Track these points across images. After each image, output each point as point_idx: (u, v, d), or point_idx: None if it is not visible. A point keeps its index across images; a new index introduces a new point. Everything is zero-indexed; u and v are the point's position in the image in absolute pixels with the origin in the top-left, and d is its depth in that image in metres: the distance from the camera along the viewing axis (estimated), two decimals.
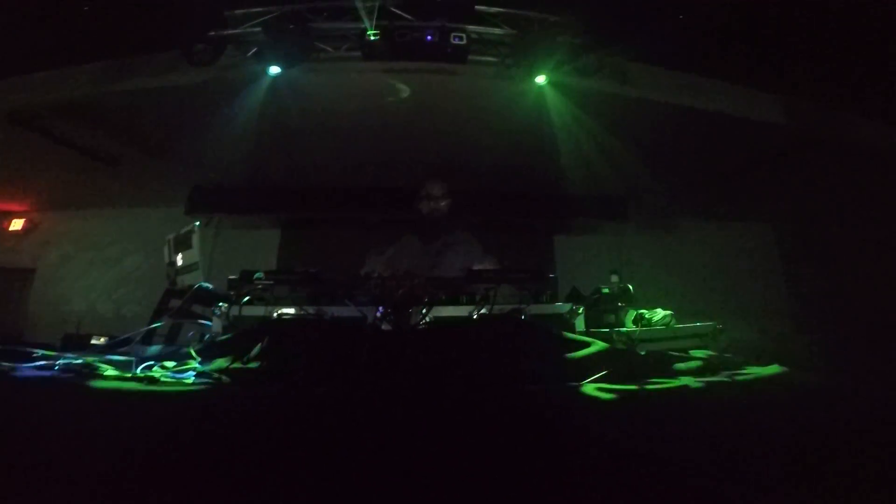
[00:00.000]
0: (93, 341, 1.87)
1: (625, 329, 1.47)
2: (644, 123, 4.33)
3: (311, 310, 1.41)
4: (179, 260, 1.89)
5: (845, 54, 3.81)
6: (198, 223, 1.88)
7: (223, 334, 1.48)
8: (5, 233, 6.27)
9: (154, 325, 1.77)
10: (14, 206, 6.28)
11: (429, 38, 3.40)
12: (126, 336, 1.66)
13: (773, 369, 1.39)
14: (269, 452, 0.77)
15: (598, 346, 1.29)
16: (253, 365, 1.25)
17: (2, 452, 0.75)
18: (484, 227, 6.00)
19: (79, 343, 1.86)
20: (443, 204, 2.42)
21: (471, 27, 3.50)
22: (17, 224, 6.30)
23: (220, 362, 1.30)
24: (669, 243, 6.40)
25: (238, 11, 3.54)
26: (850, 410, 1.06)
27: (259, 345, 1.31)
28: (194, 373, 1.30)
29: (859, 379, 1.39)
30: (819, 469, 0.73)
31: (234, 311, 1.46)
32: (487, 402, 1.05)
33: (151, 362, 1.40)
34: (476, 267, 2.25)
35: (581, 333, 1.42)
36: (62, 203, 6.17)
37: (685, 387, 1.18)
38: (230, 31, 3.55)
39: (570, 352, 1.25)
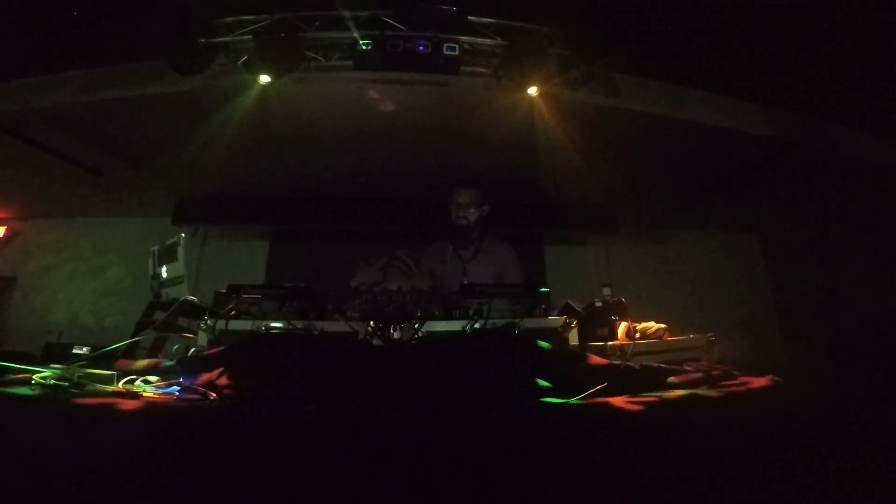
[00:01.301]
0: (75, 350, 1.81)
1: (618, 343, 1.46)
2: (632, 134, 4.38)
3: (299, 324, 1.38)
4: (164, 272, 1.85)
5: (828, 64, 3.90)
6: (183, 235, 1.84)
7: (209, 349, 1.44)
8: None
9: (137, 338, 1.72)
10: None
11: (421, 48, 3.41)
12: (109, 348, 1.61)
13: (766, 380, 1.38)
14: (256, 470, 0.74)
15: (592, 359, 1.28)
16: (239, 381, 1.21)
17: None
18: None
19: (60, 353, 1.81)
20: (471, 211, 2.39)
21: (463, 38, 3.52)
22: None
23: (206, 377, 1.26)
24: (657, 254, 6.47)
25: (228, 19, 3.53)
26: (839, 419, 1.06)
27: (246, 360, 1.27)
28: (178, 388, 1.25)
29: (846, 387, 1.40)
30: (814, 480, 0.73)
31: (221, 325, 1.42)
32: (481, 419, 1.03)
33: (133, 376, 1.35)
34: (507, 273, 2.27)
35: (575, 347, 1.41)
36: (44, 211, 6.06)
37: (679, 399, 1.17)
38: (219, 40, 3.52)
39: (565, 366, 1.24)
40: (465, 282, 2.14)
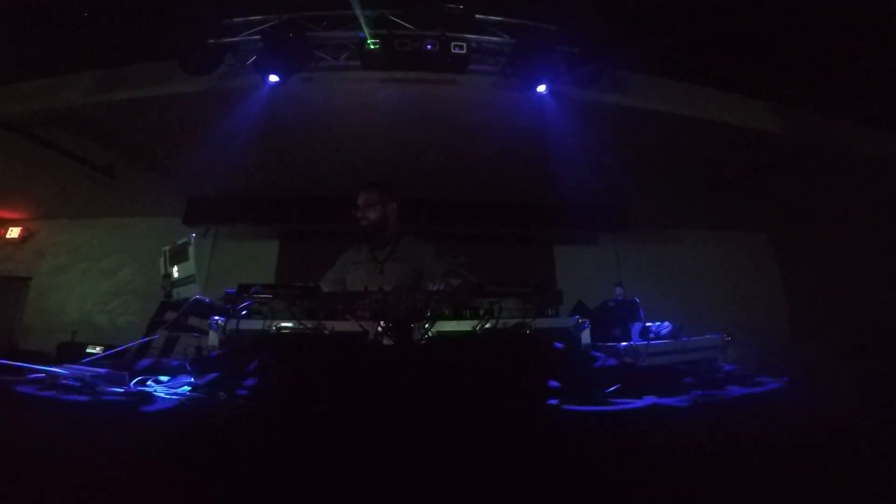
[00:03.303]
0: (88, 350, 1.83)
1: (631, 342, 1.44)
2: (642, 133, 4.34)
3: (309, 324, 1.38)
4: (175, 272, 1.86)
5: (840, 62, 3.84)
6: (193, 234, 1.85)
7: (220, 348, 1.44)
8: (2, 240, 6.25)
9: (149, 338, 1.72)
10: (11, 215, 6.26)
11: (429, 47, 3.40)
12: (122, 348, 1.62)
13: (780, 381, 1.36)
14: (266, 469, 0.74)
15: (604, 360, 1.27)
16: (250, 380, 1.21)
17: None
18: (484, 237, 6.02)
19: (74, 352, 1.82)
20: (370, 213, 2.39)
21: (470, 36, 3.50)
22: (13, 232, 6.28)
23: (217, 378, 1.25)
24: (668, 253, 6.41)
25: (237, 20, 3.55)
26: (853, 419, 1.03)
27: (257, 359, 1.26)
28: (189, 388, 1.26)
29: (859, 386, 1.38)
30: (828, 480, 0.71)
31: (232, 324, 1.42)
32: (493, 420, 1.02)
33: (145, 376, 1.36)
34: (427, 271, 2.26)
35: (587, 347, 1.39)
36: (58, 212, 6.15)
37: (693, 400, 1.14)
38: (228, 40, 3.54)
39: (577, 367, 1.22)
40: (380, 284, 2.14)
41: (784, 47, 3.86)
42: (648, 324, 1.55)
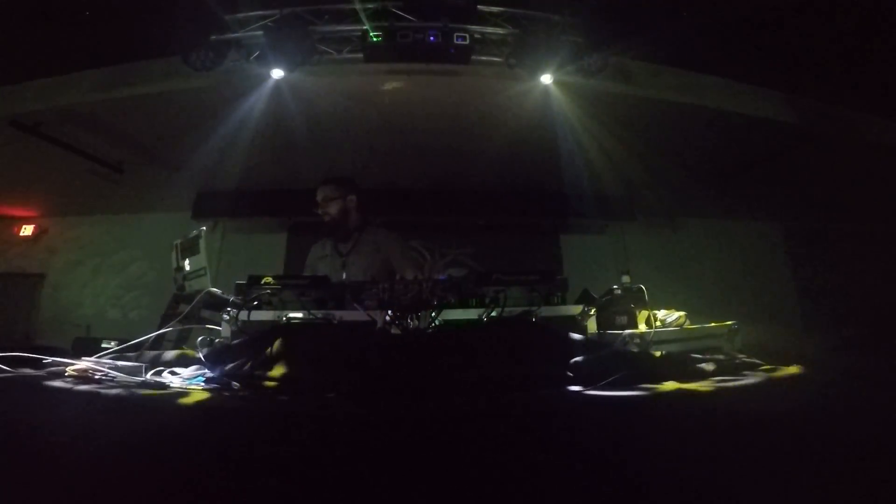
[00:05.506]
0: (103, 345, 1.86)
1: (637, 331, 1.45)
2: (649, 122, 4.31)
3: (319, 314, 1.40)
4: (187, 265, 1.89)
5: (850, 50, 3.78)
6: (203, 228, 1.87)
7: (232, 339, 1.47)
8: (16, 238, 6.34)
9: (163, 330, 1.76)
10: (24, 212, 6.35)
11: (431, 38, 3.39)
12: (136, 341, 1.66)
13: (791, 370, 1.36)
14: (279, 458, 0.76)
15: (611, 348, 1.28)
16: (262, 370, 1.24)
17: (10, 456, 0.74)
18: (490, 227, 6.01)
19: (90, 347, 1.86)
20: (330, 208, 2.41)
21: (473, 27, 3.49)
22: (27, 229, 6.36)
23: (230, 368, 1.28)
24: (676, 242, 6.37)
25: (239, 15, 3.55)
26: (863, 408, 1.04)
27: (268, 349, 1.29)
28: (204, 378, 1.29)
29: (870, 376, 1.37)
30: (837, 470, 0.72)
31: (243, 315, 1.45)
32: (500, 407, 1.03)
33: (161, 367, 1.39)
34: (394, 260, 2.30)
35: (593, 335, 1.41)
36: (69, 209, 6.23)
37: (699, 389, 1.16)
38: (232, 35, 3.55)
39: (583, 354, 1.24)
40: (344, 276, 2.20)
41: (795, 35, 3.80)
42: (655, 312, 1.56)
